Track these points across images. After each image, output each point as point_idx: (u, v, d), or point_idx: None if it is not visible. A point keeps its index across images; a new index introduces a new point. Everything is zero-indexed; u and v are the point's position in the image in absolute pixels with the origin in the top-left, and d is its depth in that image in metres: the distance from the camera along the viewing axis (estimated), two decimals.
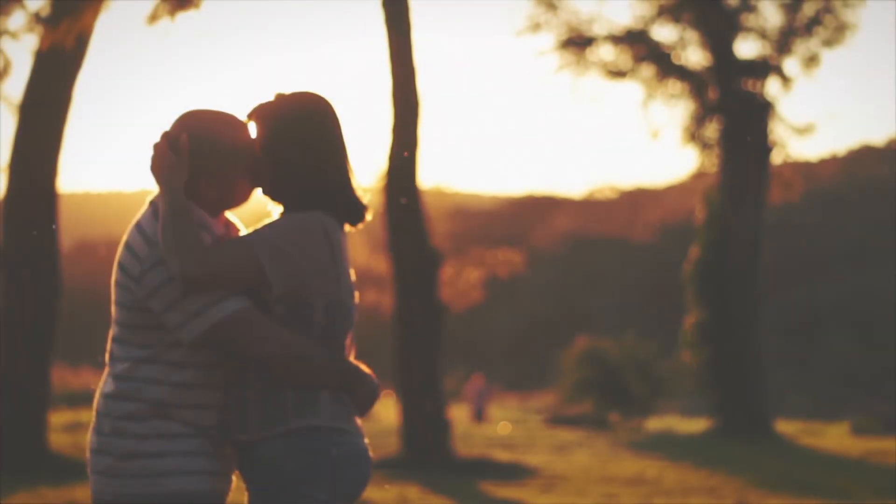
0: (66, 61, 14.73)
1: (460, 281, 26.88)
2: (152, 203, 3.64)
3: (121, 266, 3.59)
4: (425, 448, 16.50)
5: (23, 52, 15.39)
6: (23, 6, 14.98)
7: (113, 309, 3.63)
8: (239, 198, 3.72)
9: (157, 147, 3.61)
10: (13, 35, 15.10)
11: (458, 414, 34.84)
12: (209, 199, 3.66)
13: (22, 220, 14.94)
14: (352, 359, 3.70)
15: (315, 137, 3.66)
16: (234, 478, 3.70)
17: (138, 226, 3.61)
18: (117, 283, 3.60)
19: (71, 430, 19.50)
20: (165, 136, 3.62)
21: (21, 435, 14.63)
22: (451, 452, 16.81)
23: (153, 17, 13.47)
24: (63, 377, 27.54)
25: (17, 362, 14.73)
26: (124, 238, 3.63)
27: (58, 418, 19.55)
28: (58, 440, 16.37)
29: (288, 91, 3.71)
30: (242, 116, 3.71)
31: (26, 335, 14.87)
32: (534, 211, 78.96)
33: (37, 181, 15.02)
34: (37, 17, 14.92)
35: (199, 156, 3.61)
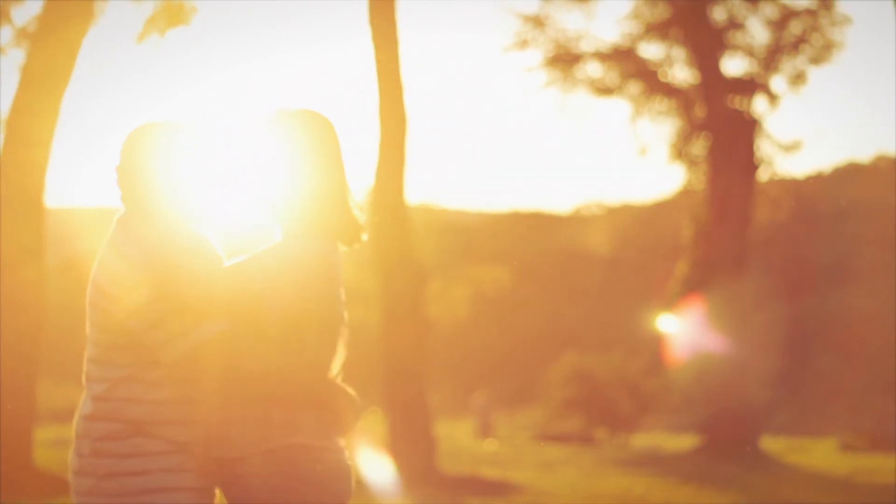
0: (54, 76, 14.71)
1: (447, 297, 26.86)
2: (121, 221, 3.60)
3: (97, 286, 3.56)
4: (412, 465, 16.46)
5: (10, 66, 15.36)
6: (10, 21, 14.98)
7: (88, 329, 3.60)
8: (224, 210, 3.71)
9: (118, 170, 3.59)
10: (0, 50, 15.09)
11: (463, 429, 34.77)
12: (193, 215, 3.65)
13: (9, 235, 14.90)
14: (336, 377, 3.69)
15: (316, 156, 3.65)
16: (216, 493, 3.69)
17: (112, 245, 3.57)
18: (93, 303, 3.57)
19: (56, 446, 19.42)
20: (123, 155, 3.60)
21: (6, 452, 14.56)
22: (438, 470, 16.77)
23: (142, 35, 13.49)
24: (49, 392, 27.45)
25: (3, 378, 14.67)
26: (99, 258, 3.59)
27: (43, 434, 19.48)
28: (43, 456, 16.30)
29: (289, 108, 3.70)
30: (226, 125, 3.70)
31: (12, 351, 14.81)
32: (521, 227, 78.97)
33: (24, 196, 14.98)
34: (24, 33, 14.91)
35: (173, 173, 3.59)
